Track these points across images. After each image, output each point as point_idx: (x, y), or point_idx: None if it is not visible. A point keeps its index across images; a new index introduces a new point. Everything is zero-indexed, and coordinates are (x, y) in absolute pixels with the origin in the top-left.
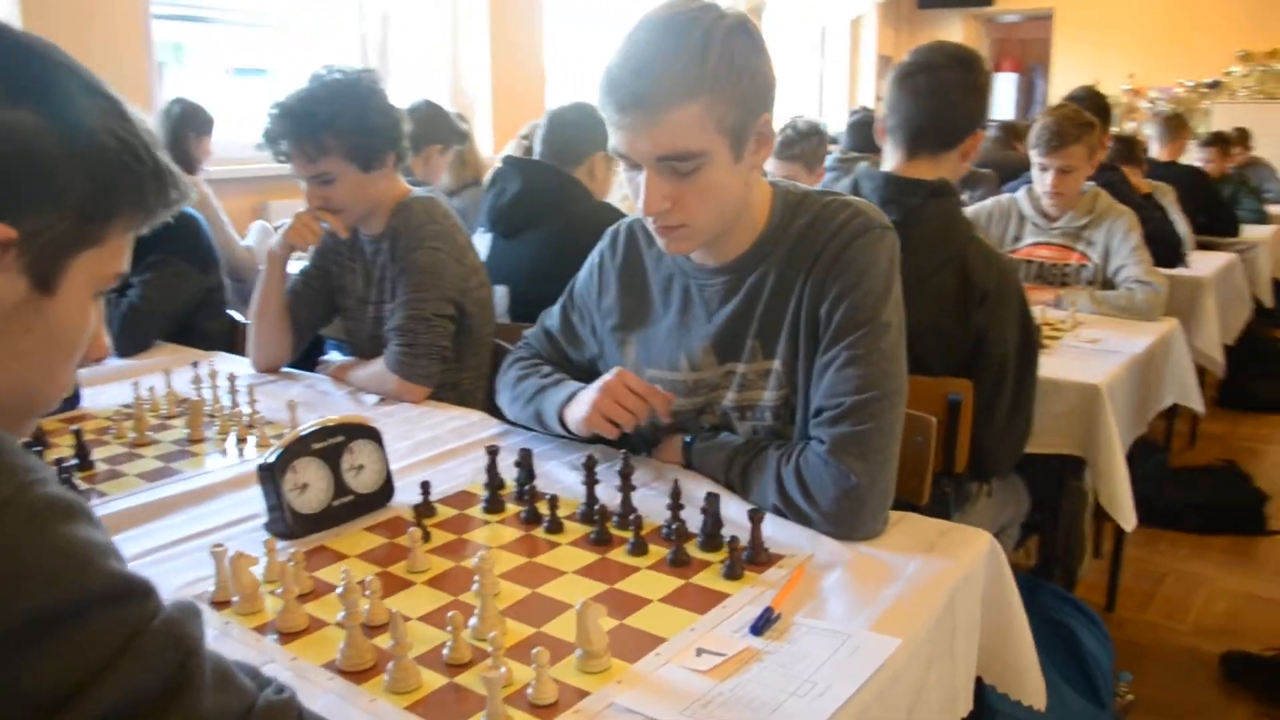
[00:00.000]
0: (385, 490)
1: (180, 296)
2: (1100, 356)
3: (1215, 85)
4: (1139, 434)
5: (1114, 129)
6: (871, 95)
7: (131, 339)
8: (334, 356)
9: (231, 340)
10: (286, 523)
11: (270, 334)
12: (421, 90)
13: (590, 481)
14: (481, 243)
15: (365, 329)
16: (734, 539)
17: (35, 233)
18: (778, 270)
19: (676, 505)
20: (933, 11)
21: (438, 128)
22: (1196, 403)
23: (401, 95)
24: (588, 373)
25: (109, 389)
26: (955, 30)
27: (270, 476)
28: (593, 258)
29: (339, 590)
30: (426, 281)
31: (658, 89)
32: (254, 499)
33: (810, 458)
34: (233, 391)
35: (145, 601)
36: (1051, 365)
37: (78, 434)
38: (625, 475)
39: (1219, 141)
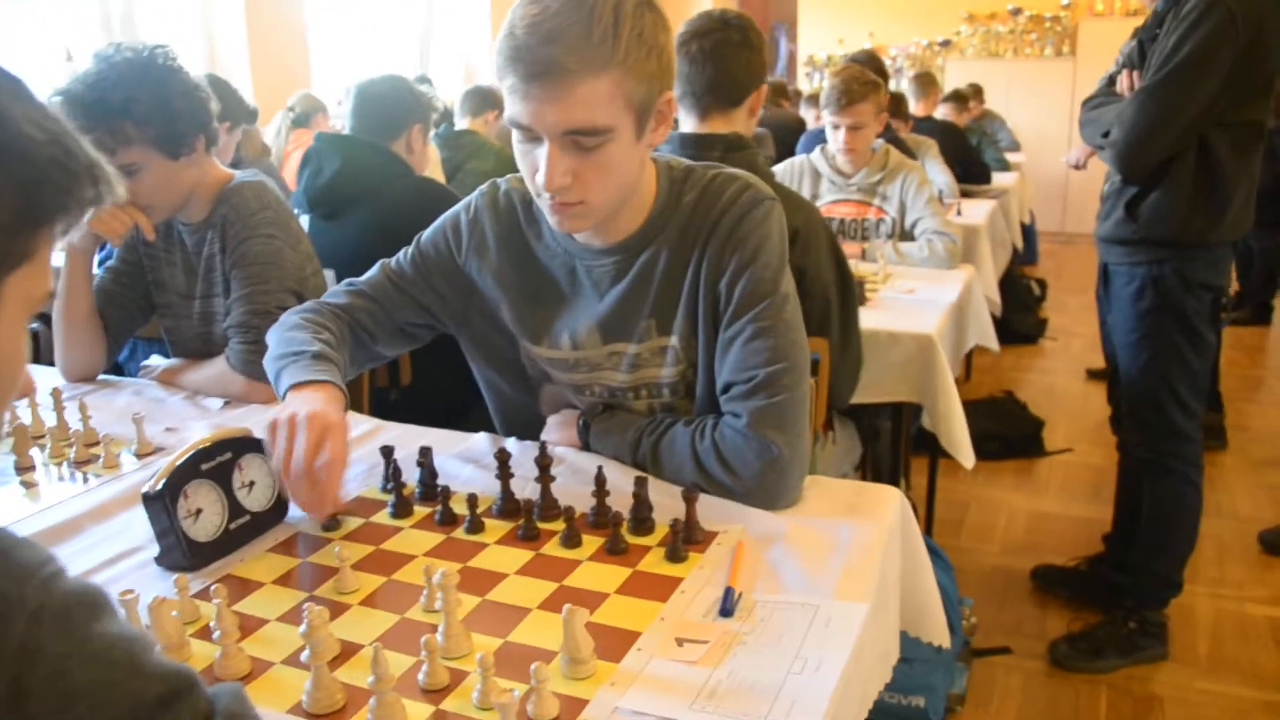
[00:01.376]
0: (280, 506)
1: None
2: (921, 306)
3: (947, 44)
4: (956, 376)
5: None
6: None
7: None
8: (156, 360)
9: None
10: (183, 553)
11: (80, 339)
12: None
13: (505, 475)
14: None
15: (190, 326)
16: (674, 521)
17: None
18: (670, 248)
19: (602, 492)
20: None
21: (226, 105)
22: (993, 342)
23: None
24: (422, 329)
25: None
26: None
27: (161, 505)
28: (460, 212)
29: (301, 629)
30: (266, 273)
31: (570, 59)
32: (123, 531)
33: (727, 432)
34: (58, 408)
35: (194, 694)
36: (880, 318)
37: None
38: (544, 466)
39: (959, 98)
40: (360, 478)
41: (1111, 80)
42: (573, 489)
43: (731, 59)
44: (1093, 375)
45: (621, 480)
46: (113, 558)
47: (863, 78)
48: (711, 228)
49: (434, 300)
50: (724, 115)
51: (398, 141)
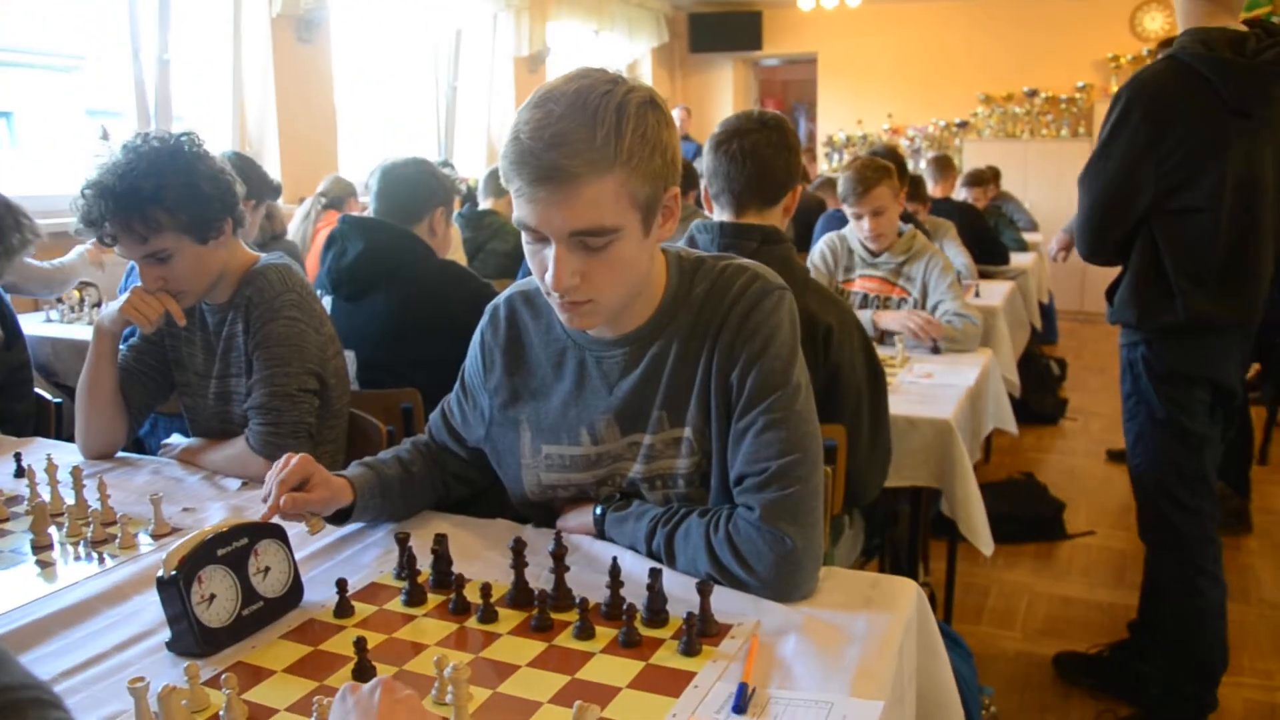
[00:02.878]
0: (295, 591)
1: None
2: (939, 391)
3: (964, 125)
4: (975, 460)
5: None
6: None
7: None
8: (176, 439)
9: (40, 422)
10: (195, 639)
11: (102, 417)
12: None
13: (520, 565)
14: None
15: (207, 405)
16: (689, 615)
17: None
18: (681, 339)
19: (616, 583)
20: (704, 55)
21: (251, 182)
22: (1012, 425)
23: None
24: (480, 456)
25: None
26: (725, 73)
27: (175, 591)
28: (475, 339)
29: None
30: (288, 355)
31: (574, 163)
32: (137, 613)
33: (741, 525)
34: (78, 486)
35: None
36: (900, 403)
37: None
38: (559, 556)
39: (978, 180)
40: (374, 564)
41: None
42: (587, 579)
43: (770, 159)
44: (1114, 456)
45: (636, 570)
46: (124, 642)
47: (873, 164)
48: (722, 319)
49: (477, 419)
50: (760, 213)
51: (421, 224)
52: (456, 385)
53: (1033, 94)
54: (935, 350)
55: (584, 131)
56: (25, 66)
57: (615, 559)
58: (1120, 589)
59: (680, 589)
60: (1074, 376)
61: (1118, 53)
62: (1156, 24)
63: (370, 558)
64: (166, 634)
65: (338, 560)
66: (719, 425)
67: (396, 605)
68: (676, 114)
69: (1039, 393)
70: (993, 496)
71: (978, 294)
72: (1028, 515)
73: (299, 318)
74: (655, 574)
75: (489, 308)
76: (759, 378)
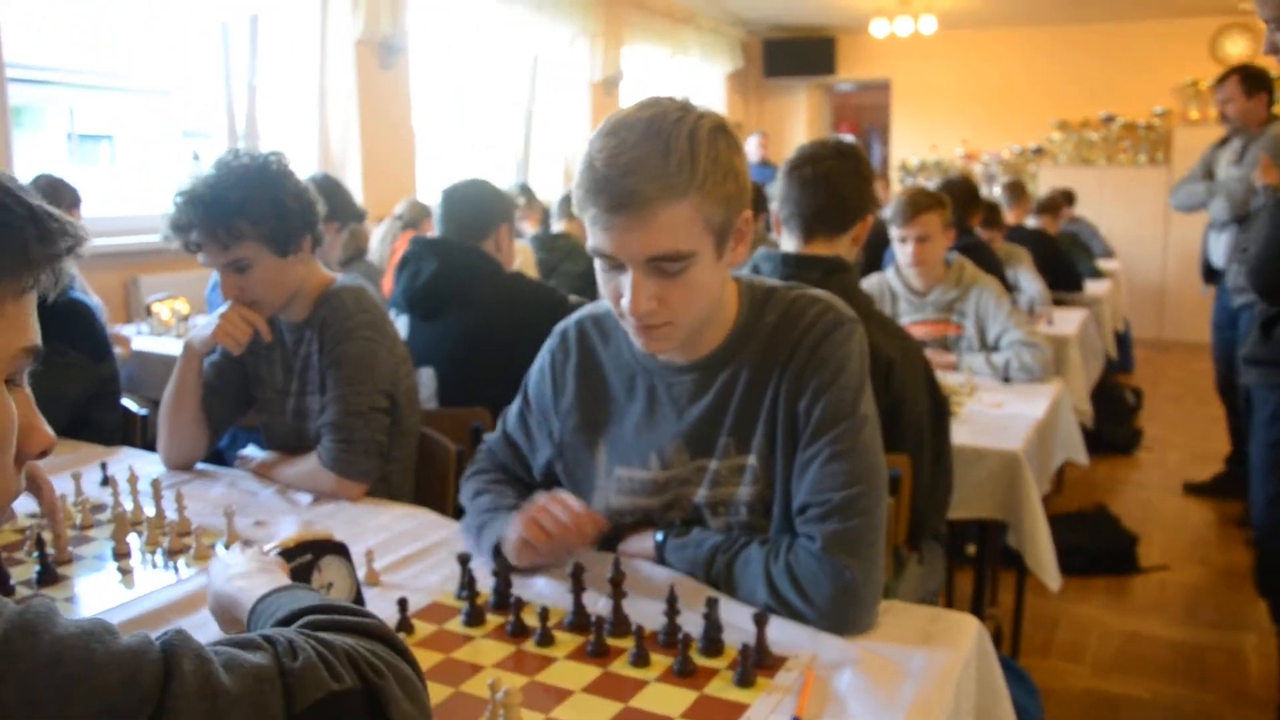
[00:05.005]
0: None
1: (72, 388)
2: (1008, 421)
3: (1039, 151)
4: (1044, 492)
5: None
6: None
7: None
8: (253, 451)
9: (127, 433)
10: None
11: (185, 429)
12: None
13: (579, 589)
14: (397, 325)
15: (284, 421)
16: (744, 646)
17: None
18: (751, 366)
19: (673, 611)
20: (778, 80)
21: (335, 204)
22: (1082, 456)
23: None
24: (545, 476)
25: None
26: (800, 98)
27: None
28: (543, 358)
29: None
30: (360, 375)
31: (650, 189)
32: (207, 623)
33: (802, 555)
34: (157, 496)
35: (150, 661)
36: (967, 433)
37: None
38: (617, 582)
39: (1051, 207)
40: (436, 584)
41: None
42: (645, 606)
43: (842, 186)
44: (1190, 489)
45: (694, 598)
46: None
47: (926, 192)
48: (793, 348)
49: (546, 438)
50: (828, 240)
51: (487, 241)
52: (517, 408)
53: (1109, 120)
54: (1005, 379)
55: (658, 158)
56: (124, 91)
57: (672, 587)
58: (1194, 626)
59: (738, 619)
60: (1150, 406)
61: (1198, 78)
62: (1239, 49)
63: (434, 578)
64: None
65: (402, 577)
66: (784, 454)
67: (456, 625)
68: (754, 139)
69: (1113, 423)
70: (1064, 528)
71: (1050, 322)
72: (1099, 548)
73: (372, 338)
74: (712, 603)
75: (558, 331)
76: (826, 408)
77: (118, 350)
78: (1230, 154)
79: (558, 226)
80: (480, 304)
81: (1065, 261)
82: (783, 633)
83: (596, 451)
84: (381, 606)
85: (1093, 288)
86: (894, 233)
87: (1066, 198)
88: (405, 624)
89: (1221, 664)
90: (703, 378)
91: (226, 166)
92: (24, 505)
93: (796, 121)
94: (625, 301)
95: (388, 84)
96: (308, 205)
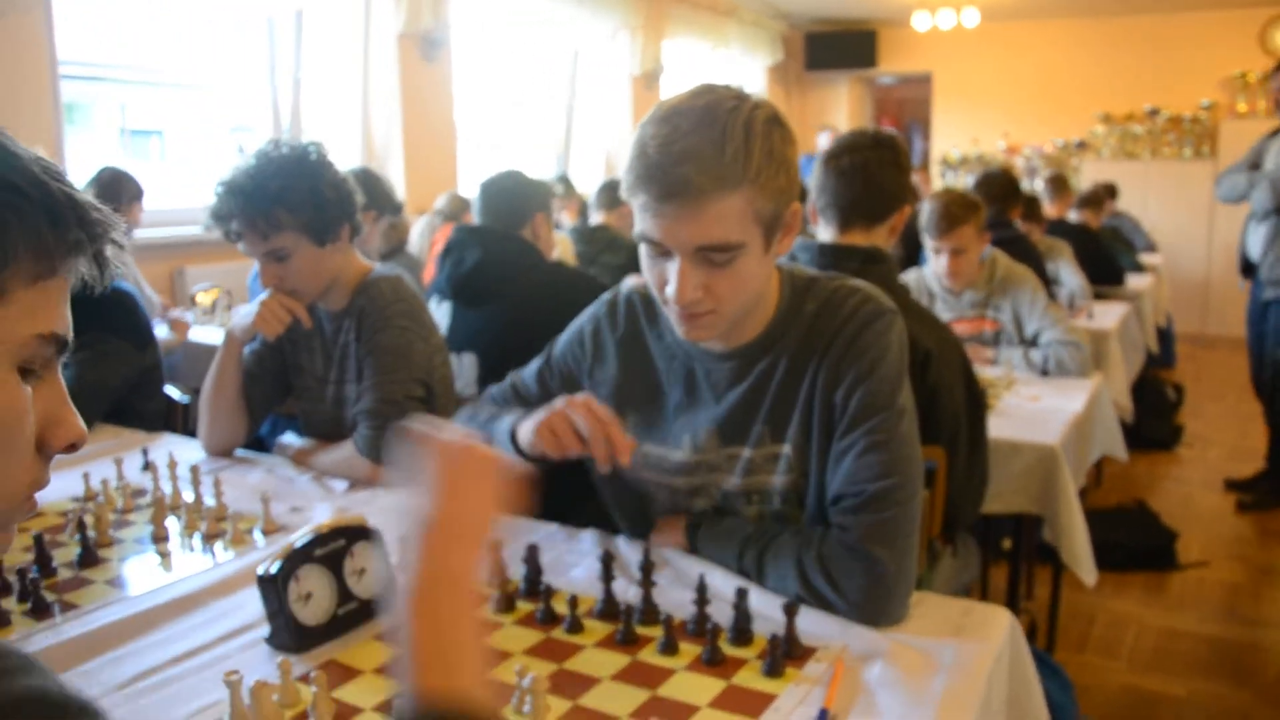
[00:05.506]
0: (390, 593)
1: (116, 376)
2: (1046, 415)
3: (1082, 145)
4: (1080, 487)
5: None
6: None
7: None
8: (290, 438)
9: (169, 419)
10: (291, 635)
11: (225, 416)
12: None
13: (608, 577)
14: (439, 312)
15: (324, 409)
16: (774, 636)
17: None
18: (790, 355)
19: (703, 600)
20: (819, 73)
21: (374, 196)
22: (1121, 452)
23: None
24: None
25: (53, 478)
26: (841, 91)
27: (274, 588)
28: (584, 324)
29: None
30: (396, 364)
31: (703, 179)
32: (241, 607)
33: (835, 546)
34: (195, 482)
35: None
36: (1003, 426)
37: (39, 539)
38: (647, 571)
39: (1093, 201)
40: None
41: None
42: (675, 594)
43: (879, 177)
44: (1231, 486)
45: (724, 588)
46: (227, 634)
47: (963, 200)
48: (831, 338)
49: None
50: (865, 231)
51: (523, 230)
52: (535, 368)
53: (1154, 113)
54: (1044, 373)
55: (712, 148)
56: (173, 87)
57: (702, 576)
58: (1232, 624)
59: (767, 608)
60: (1192, 402)
61: (1246, 69)
62: None
63: None
64: (266, 629)
65: None
66: (820, 444)
67: (485, 612)
68: (825, 137)
69: (1154, 418)
70: (1102, 523)
71: (1091, 316)
72: (1138, 543)
73: (409, 327)
74: (742, 593)
75: (607, 300)
76: (864, 399)
77: (173, 336)
78: None
79: (596, 218)
80: (523, 292)
81: (1106, 255)
82: (813, 623)
83: (626, 424)
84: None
85: (1134, 282)
86: (928, 243)
87: (1109, 191)
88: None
89: (1260, 662)
90: (741, 365)
91: (266, 157)
92: (67, 489)
93: (838, 115)
94: (671, 289)
95: (430, 77)
96: (346, 195)
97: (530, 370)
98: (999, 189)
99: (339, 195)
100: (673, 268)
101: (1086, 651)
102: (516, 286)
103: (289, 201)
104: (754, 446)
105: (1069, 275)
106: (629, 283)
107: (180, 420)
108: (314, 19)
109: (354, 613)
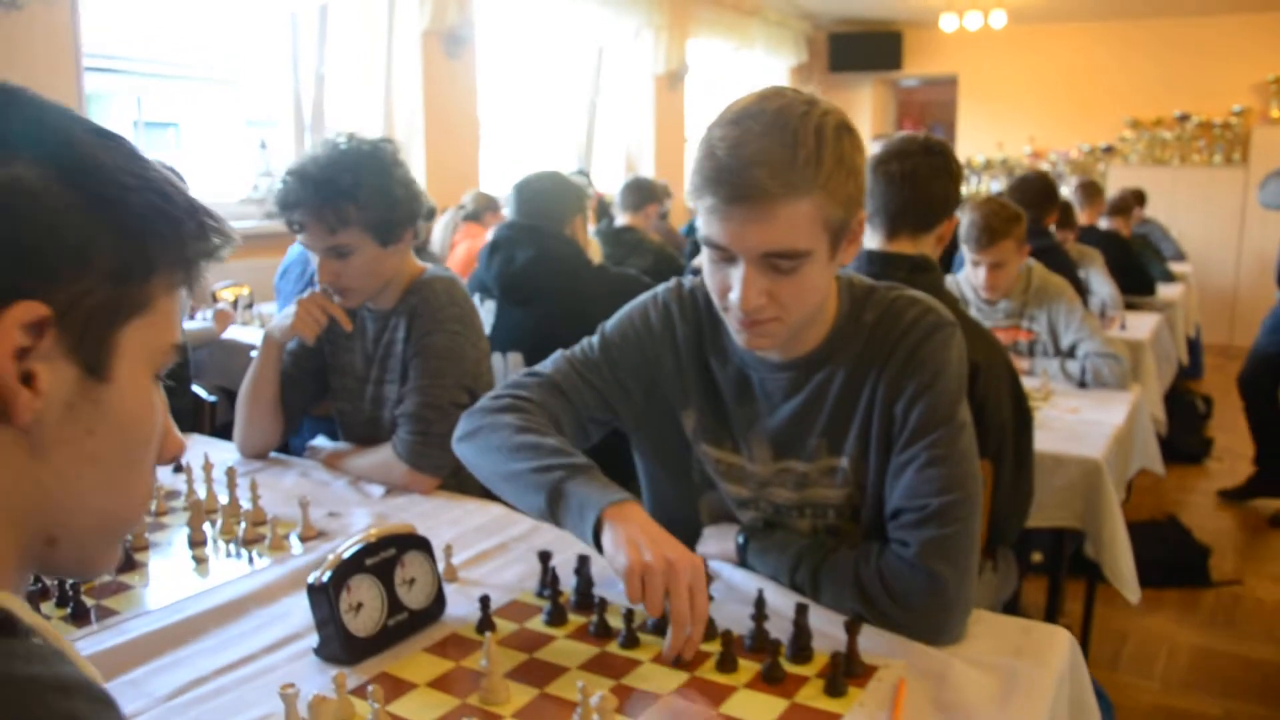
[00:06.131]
0: (438, 603)
1: None
2: (1086, 428)
3: (1109, 150)
4: (1120, 500)
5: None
6: None
7: None
8: (322, 441)
9: (197, 419)
10: (342, 646)
11: (262, 419)
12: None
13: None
14: (483, 310)
15: (362, 409)
16: (834, 654)
17: (70, 306)
18: (848, 367)
19: (761, 615)
20: (843, 75)
21: None
22: (1158, 466)
23: None
24: (599, 426)
25: None
26: (864, 92)
27: (325, 597)
28: (647, 308)
29: None
30: (444, 368)
31: (774, 183)
32: (285, 615)
33: (895, 562)
34: (231, 485)
35: None
36: (1045, 439)
37: None
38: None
39: (1124, 208)
40: (514, 581)
41: None
42: (731, 610)
43: (929, 184)
44: (1227, 496)
45: (781, 604)
46: (273, 644)
47: (1004, 213)
48: (891, 349)
49: (618, 395)
50: (912, 238)
51: (565, 231)
52: (582, 356)
53: (1184, 118)
54: (1081, 385)
55: (785, 152)
56: (190, 80)
57: (761, 591)
58: (1270, 644)
59: (825, 624)
60: (1220, 415)
61: (1279, 75)
62: None
63: (511, 575)
64: (313, 639)
65: (479, 573)
66: (878, 458)
67: (537, 624)
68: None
69: (1183, 431)
70: (1133, 538)
71: (1123, 326)
72: (1170, 559)
73: (460, 331)
74: (802, 609)
75: (666, 295)
76: (925, 412)
77: (213, 326)
78: None
79: (621, 219)
80: (574, 292)
81: (1138, 264)
82: (873, 641)
83: (687, 417)
84: (461, 603)
85: (1165, 291)
86: (967, 254)
87: (1137, 198)
88: (487, 621)
89: None
90: (798, 376)
91: (339, 149)
92: None
93: (861, 117)
94: (735, 295)
95: (454, 74)
96: (415, 196)
97: (576, 360)
98: (1036, 194)
99: (409, 195)
100: (737, 273)
101: (1120, 670)
102: (568, 287)
103: (359, 197)
104: (810, 460)
105: (1100, 284)
106: (697, 280)
107: (208, 420)
108: (338, 14)
109: (403, 624)
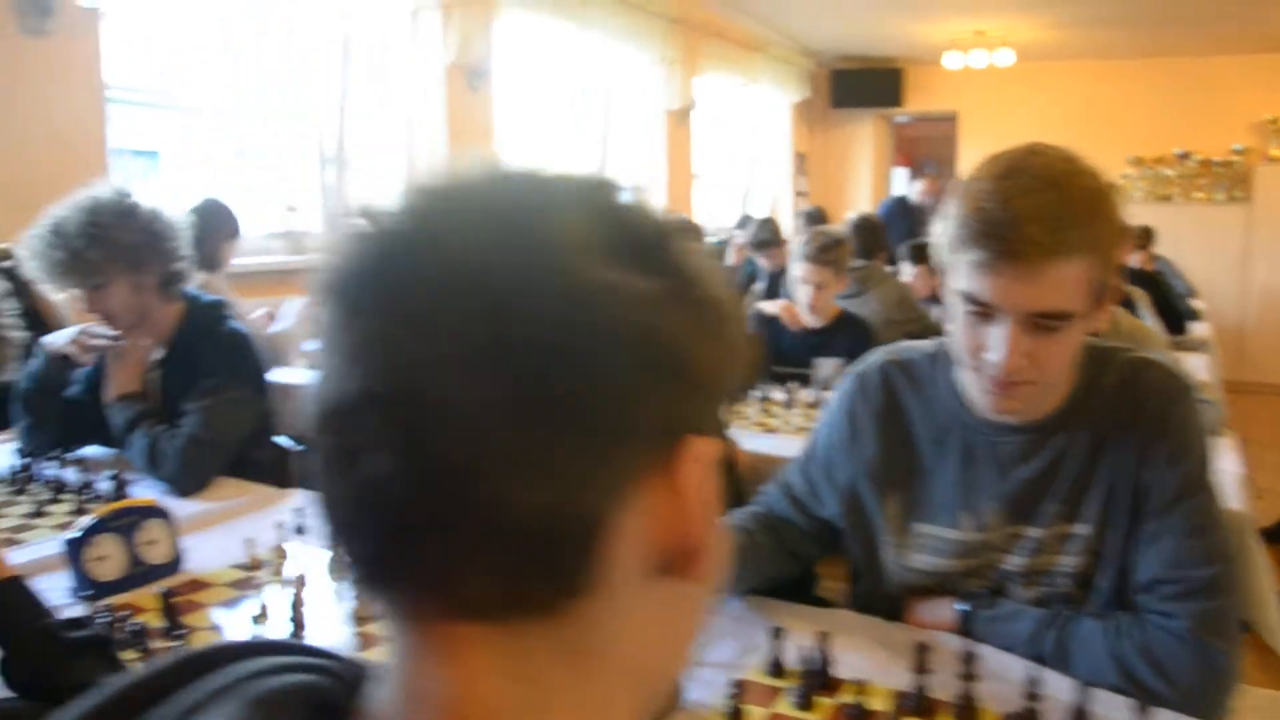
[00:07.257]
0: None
1: (242, 424)
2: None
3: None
4: None
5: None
6: (789, 191)
7: (193, 476)
8: None
9: (284, 471)
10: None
11: None
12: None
13: (923, 669)
14: None
15: None
16: None
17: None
18: (1089, 431)
19: (1033, 696)
20: (845, 110)
21: None
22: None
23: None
24: (827, 530)
25: (203, 542)
26: (864, 128)
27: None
28: (838, 404)
29: None
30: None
31: (1049, 240)
32: None
33: (1161, 635)
34: None
35: None
36: None
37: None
38: (968, 661)
39: (1143, 245)
40: (732, 656)
41: None
42: (989, 688)
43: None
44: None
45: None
46: None
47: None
48: (1136, 413)
49: (829, 491)
50: None
51: None
52: (799, 461)
53: (1184, 156)
54: None
55: (1061, 209)
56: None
57: (1033, 670)
58: None
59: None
60: (1248, 452)
61: (1278, 115)
62: None
63: (728, 650)
64: None
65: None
66: (1125, 526)
67: (785, 708)
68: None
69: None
70: None
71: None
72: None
73: None
74: (1086, 692)
75: (857, 374)
76: (1180, 479)
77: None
78: None
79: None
80: None
81: (1170, 301)
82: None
83: (888, 502)
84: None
85: (1195, 330)
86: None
87: (1146, 235)
88: (736, 714)
89: None
90: (1035, 440)
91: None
92: (226, 555)
93: (860, 152)
94: (995, 355)
95: (474, 107)
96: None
97: (795, 465)
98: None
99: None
100: (997, 333)
101: None
102: None
103: None
104: (1044, 526)
105: (1151, 326)
106: (879, 356)
107: (297, 471)
108: (360, 46)
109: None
